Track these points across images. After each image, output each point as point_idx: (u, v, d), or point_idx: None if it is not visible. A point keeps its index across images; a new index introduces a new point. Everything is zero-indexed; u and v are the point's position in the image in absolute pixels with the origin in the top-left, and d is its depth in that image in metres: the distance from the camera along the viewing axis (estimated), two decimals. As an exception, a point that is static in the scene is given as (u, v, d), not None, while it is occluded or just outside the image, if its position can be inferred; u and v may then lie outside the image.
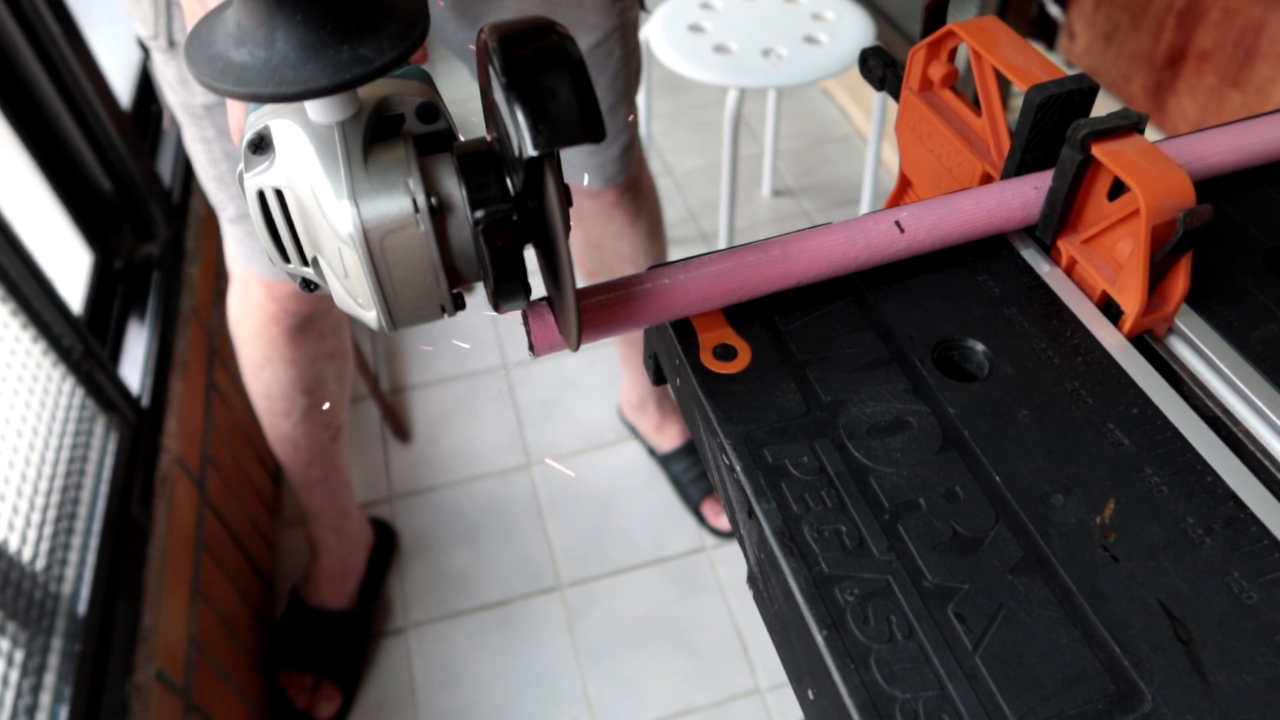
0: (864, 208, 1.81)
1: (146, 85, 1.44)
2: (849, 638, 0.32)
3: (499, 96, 0.31)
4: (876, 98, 1.65)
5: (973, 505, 0.36)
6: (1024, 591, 0.33)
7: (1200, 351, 0.41)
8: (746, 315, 0.43)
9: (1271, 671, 0.31)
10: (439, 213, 0.34)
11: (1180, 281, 0.40)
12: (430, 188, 0.33)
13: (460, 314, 0.38)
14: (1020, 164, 0.45)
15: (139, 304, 1.23)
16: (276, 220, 0.35)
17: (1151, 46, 1.74)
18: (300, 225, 0.35)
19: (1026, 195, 0.44)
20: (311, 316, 1.04)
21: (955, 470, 0.37)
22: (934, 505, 0.36)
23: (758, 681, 1.28)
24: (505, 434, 1.58)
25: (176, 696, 0.97)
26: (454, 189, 0.34)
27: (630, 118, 1.07)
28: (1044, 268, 0.45)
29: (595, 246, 1.20)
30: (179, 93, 0.85)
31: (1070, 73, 0.43)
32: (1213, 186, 0.49)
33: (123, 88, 1.34)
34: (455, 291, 0.37)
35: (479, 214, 0.33)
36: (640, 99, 1.28)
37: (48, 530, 0.91)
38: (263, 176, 0.34)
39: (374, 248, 0.33)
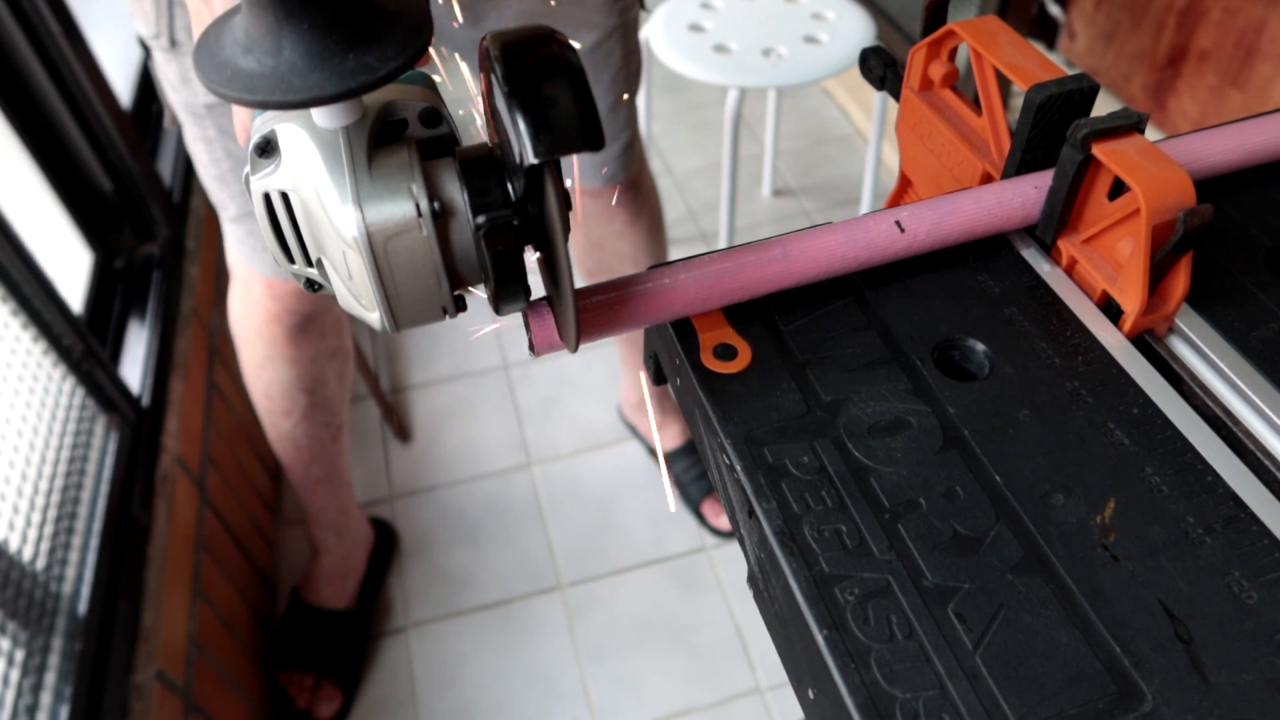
0: (864, 207, 1.81)
1: (147, 85, 1.44)
2: (849, 637, 0.32)
3: (500, 104, 0.32)
4: (877, 97, 1.65)
5: (973, 505, 0.36)
6: (1024, 591, 0.33)
7: (1200, 351, 0.41)
8: (747, 315, 0.43)
9: (1271, 671, 0.31)
10: (441, 217, 0.34)
11: (1180, 281, 0.40)
12: (433, 192, 0.34)
13: (461, 314, 0.38)
14: (1020, 163, 0.45)
15: (139, 304, 1.23)
16: (282, 222, 0.36)
17: (1152, 46, 1.74)
18: (305, 227, 0.36)
19: (1027, 195, 0.44)
20: (312, 315, 1.04)
21: (955, 470, 0.37)
22: (934, 505, 0.36)
23: (758, 681, 1.28)
24: (505, 434, 1.58)
25: (177, 696, 0.97)
26: (456, 194, 0.34)
27: (629, 109, 1.07)
28: (1044, 267, 0.45)
29: (596, 246, 1.20)
30: (180, 92, 0.85)
31: (1070, 72, 0.43)
32: (1213, 186, 0.49)
33: (123, 87, 1.34)
34: (456, 293, 0.37)
35: (480, 219, 0.34)
36: (640, 99, 1.28)
37: (48, 530, 0.91)
38: (269, 179, 0.35)
39: (378, 251, 0.34)
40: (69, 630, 0.88)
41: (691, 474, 1.46)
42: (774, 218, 1.95)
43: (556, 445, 1.56)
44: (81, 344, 1.03)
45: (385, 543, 1.42)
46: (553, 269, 0.36)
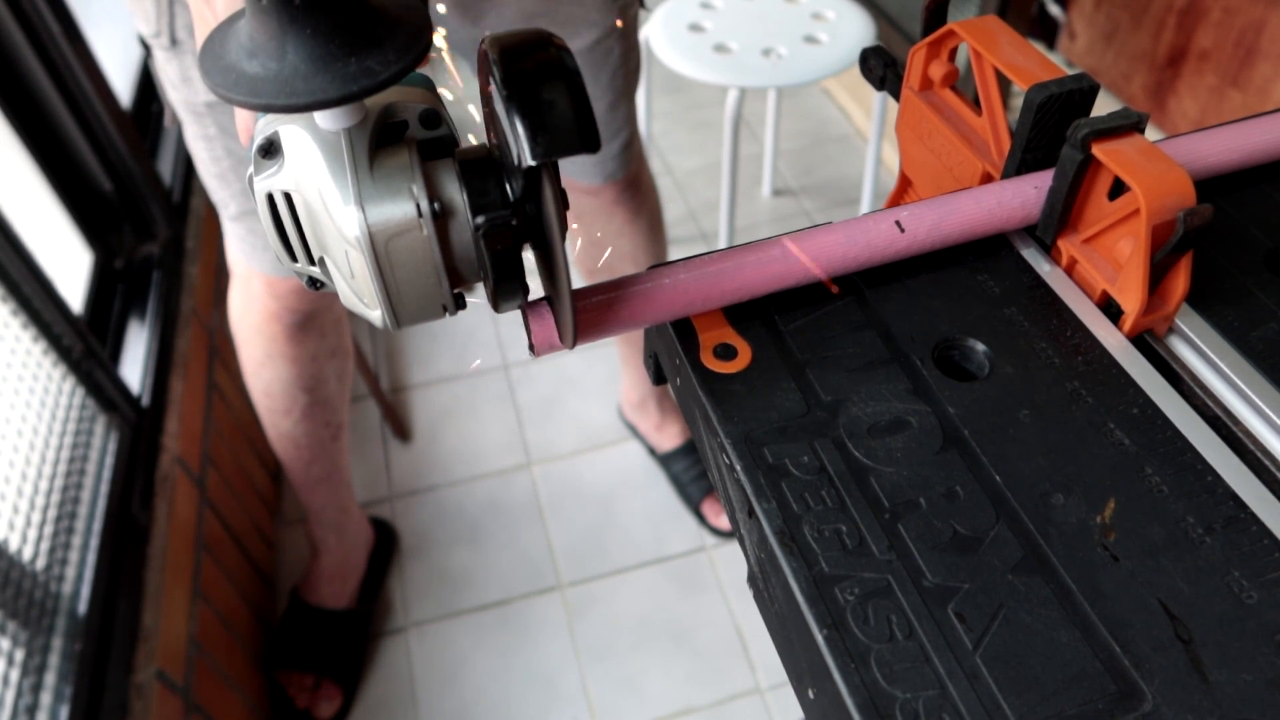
0: (864, 207, 1.81)
1: (147, 84, 1.44)
2: (849, 637, 0.32)
3: (499, 107, 0.32)
4: (877, 97, 1.64)
5: (973, 505, 0.36)
6: (1024, 591, 0.33)
7: (1201, 351, 0.41)
8: (747, 315, 0.43)
9: (1272, 671, 0.31)
10: (441, 217, 0.35)
11: (1180, 281, 0.40)
12: (433, 193, 0.35)
13: (461, 314, 0.39)
14: (1020, 163, 0.45)
15: (139, 303, 1.23)
16: (285, 222, 0.37)
17: (1152, 46, 1.74)
18: (308, 227, 0.36)
19: (1027, 195, 0.44)
20: (312, 314, 1.04)
21: (955, 470, 0.37)
22: (934, 505, 0.36)
23: (758, 681, 1.28)
24: (505, 434, 1.58)
25: (177, 696, 0.97)
26: (456, 194, 0.35)
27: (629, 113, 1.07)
28: (1044, 267, 0.45)
29: (595, 244, 1.20)
30: (181, 91, 0.85)
31: (1070, 72, 0.43)
32: (1213, 186, 0.49)
33: (123, 87, 1.34)
34: (456, 291, 0.38)
35: (480, 219, 0.34)
36: (640, 99, 1.28)
37: (48, 530, 0.91)
38: (272, 180, 0.36)
39: (379, 251, 0.34)
40: (69, 630, 0.88)
41: (691, 474, 1.46)
42: (774, 218, 1.95)
43: (556, 445, 1.56)
44: (81, 344, 1.03)
45: (385, 543, 1.42)
46: (550, 267, 0.37)
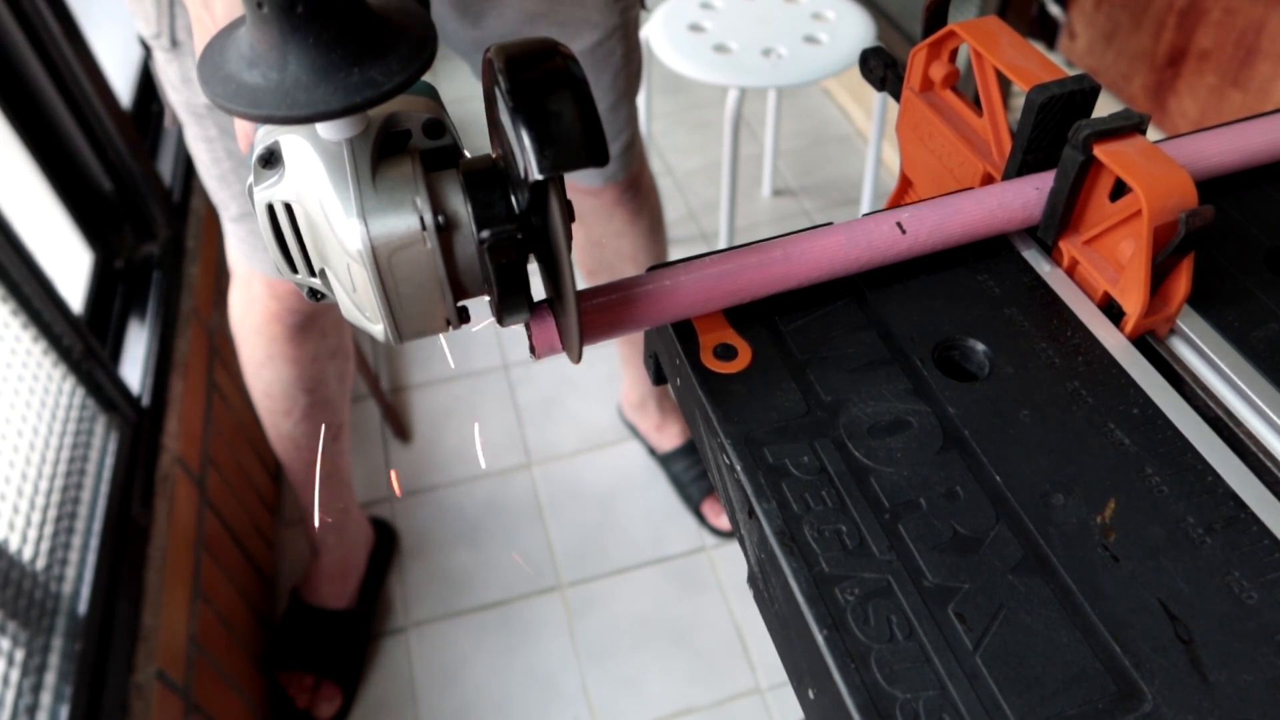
0: (864, 207, 1.81)
1: (147, 85, 1.44)
2: (849, 638, 0.32)
3: (505, 118, 0.32)
4: (877, 97, 1.65)
5: (973, 505, 0.36)
6: (1024, 591, 0.33)
7: (1201, 352, 0.41)
8: (747, 315, 0.43)
9: (1272, 671, 0.31)
10: (445, 230, 0.34)
11: (1182, 282, 0.40)
12: (437, 205, 0.34)
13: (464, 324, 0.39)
14: (1022, 164, 0.45)
15: (139, 304, 1.23)
16: (285, 233, 0.36)
17: (1152, 46, 1.74)
18: (309, 238, 0.36)
19: (1028, 196, 0.44)
20: (313, 315, 1.04)
21: (955, 470, 0.37)
22: (934, 505, 0.36)
23: (758, 681, 1.28)
24: (505, 434, 1.58)
25: (177, 696, 0.97)
26: (460, 206, 0.34)
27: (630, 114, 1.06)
28: (1045, 268, 0.45)
29: (596, 245, 1.20)
30: (181, 92, 0.85)
31: (1071, 73, 0.43)
32: (1214, 186, 0.49)
33: (123, 87, 1.34)
34: (459, 304, 0.37)
35: (485, 234, 0.34)
36: (640, 99, 1.28)
37: (48, 530, 0.91)
38: (272, 190, 0.35)
39: (382, 264, 0.34)
40: (69, 630, 0.87)
41: (691, 474, 1.46)
42: (774, 218, 1.95)
43: (556, 445, 1.56)
44: (81, 344, 1.03)
45: (385, 543, 1.42)
46: (556, 280, 0.36)
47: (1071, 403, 0.39)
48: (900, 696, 0.30)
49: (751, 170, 2.03)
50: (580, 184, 1.12)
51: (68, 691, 0.83)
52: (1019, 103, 0.44)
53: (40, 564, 0.88)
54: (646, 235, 1.20)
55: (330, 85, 0.30)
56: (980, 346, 0.41)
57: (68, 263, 1.18)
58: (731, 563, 1.40)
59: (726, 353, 0.41)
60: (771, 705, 1.26)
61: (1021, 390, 0.39)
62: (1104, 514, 0.35)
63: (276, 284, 0.99)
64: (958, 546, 0.34)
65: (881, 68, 0.53)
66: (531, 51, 0.32)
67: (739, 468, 0.37)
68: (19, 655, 0.81)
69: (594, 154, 0.31)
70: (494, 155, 0.36)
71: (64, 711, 0.82)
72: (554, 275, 0.36)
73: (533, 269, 0.38)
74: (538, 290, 0.40)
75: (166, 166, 1.40)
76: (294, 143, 0.34)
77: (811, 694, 0.34)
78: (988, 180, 0.47)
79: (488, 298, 0.37)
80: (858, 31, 1.49)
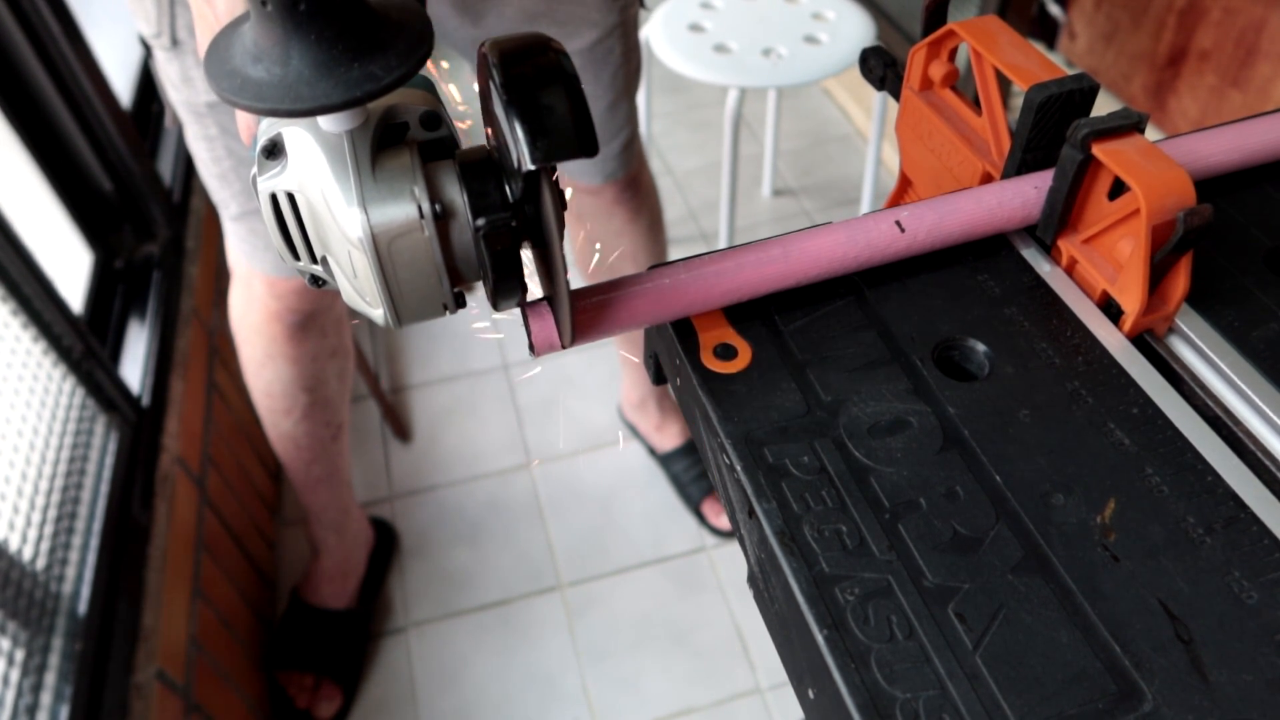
0: (864, 207, 1.81)
1: (147, 84, 1.44)
2: (849, 637, 0.32)
3: (499, 110, 0.33)
4: (877, 97, 1.64)
5: (973, 505, 0.36)
6: (1024, 591, 0.33)
7: (1201, 351, 0.41)
8: (747, 315, 0.43)
9: (1272, 671, 0.31)
10: (442, 218, 0.35)
11: (1181, 281, 0.40)
12: (434, 194, 0.35)
13: (461, 313, 0.39)
14: (1021, 163, 0.45)
15: (139, 304, 1.23)
16: (288, 222, 0.37)
17: (1152, 46, 1.74)
18: (311, 227, 0.37)
19: (1027, 195, 0.44)
20: (313, 314, 1.04)
21: (955, 470, 0.37)
22: (934, 505, 0.36)
23: (758, 681, 1.28)
24: (505, 434, 1.58)
25: (177, 696, 0.97)
26: (456, 195, 0.35)
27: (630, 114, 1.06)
28: (1044, 267, 0.45)
29: (596, 244, 1.20)
30: (181, 91, 0.85)
31: (1071, 72, 0.43)
32: (1213, 186, 0.49)
33: (123, 87, 1.34)
34: (456, 290, 0.38)
35: (480, 221, 0.35)
36: (640, 99, 1.28)
37: (48, 530, 0.91)
38: (275, 180, 0.36)
39: (381, 251, 0.35)
40: (69, 630, 0.87)
41: (691, 474, 1.46)
42: (774, 218, 1.95)
43: (556, 445, 1.56)
44: (81, 344, 1.03)
45: (385, 543, 1.42)
46: (549, 267, 0.37)
47: (1071, 403, 0.39)
48: (900, 696, 0.30)
49: (751, 170, 2.03)
50: (580, 183, 1.12)
51: (68, 691, 0.83)
52: (1018, 102, 0.44)
53: (40, 564, 0.88)
54: (646, 234, 1.20)
55: (332, 80, 0.31)
56: (980, 346, 0.41)
57: (68, 263, 1.18)
58: (731, 563, 1.40)
59: (726, 352, 0.41)
60: (771, 705, 1.26)
61: (1021, 390, 0.39)
62: (1104, 514, 0.35)
63: (276, 283, 0.99)
64: (958, 546, 0.34)
65: (881, 67, 0.53)
66: (524, 46, 0.33)
67: (739, 468, 0.37)
68: (19, 655, 0.81)
69: (584, 145, 0.32)
70: (489, 146, 0.37)
71: (64, 711, 0.82)
72: (547, 262, 0.38)
73: (532, 270, 0.38)
74: (536, 291, 0.40)
75: (166, 166, 1.40)
76: (296, 135, 0.35)
77: (811, 694, 0.34)
78: (987, 179, 0.47)
79: (483, 285, 0.38)
80: (858, 31, 1.49)
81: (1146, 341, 0.42)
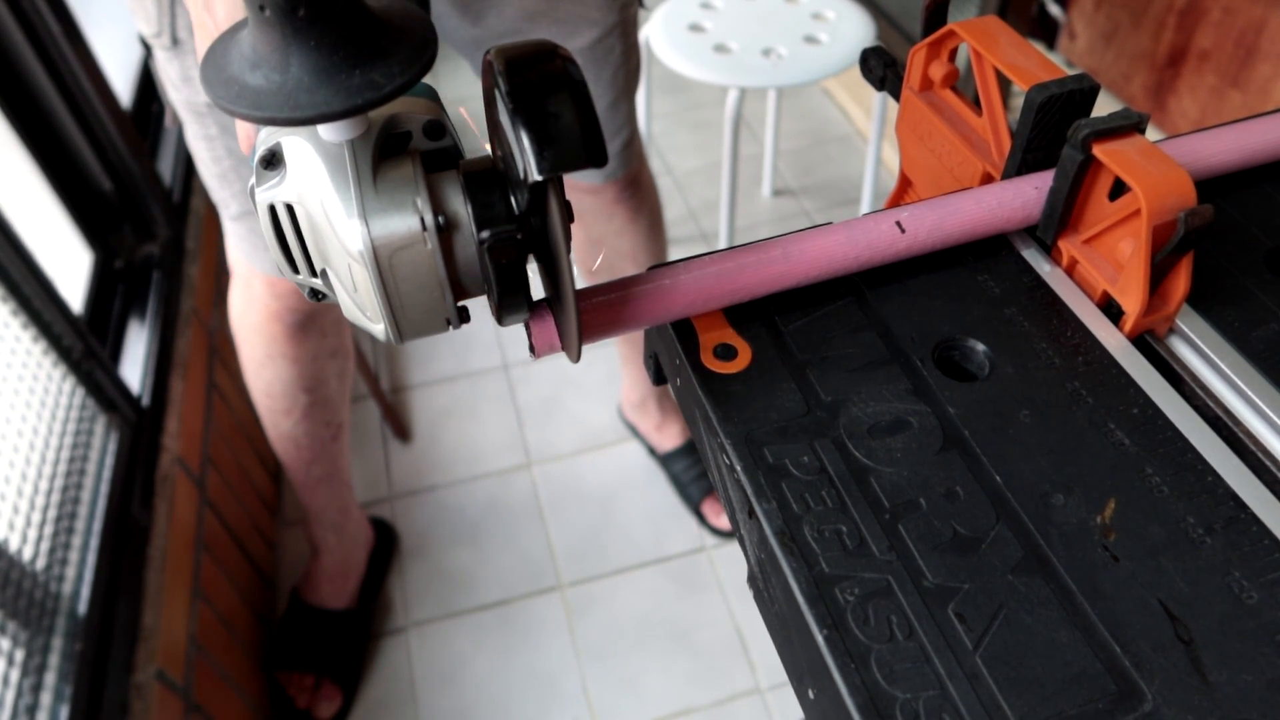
0: (864, 207, 1.81)
1: (147, 84, 1.44)
2: (849, 638, 0.32)
3: (504, 119, 0.32)
4: (877, 97, 1.64)
5: (973, 505, 0.36)
6: (1024, 591, 0.33)
7: (1201, 351, 0.41)
8: (747, 315, 0.43)
9: (1272, 671, 0.31)
10: (445, 231, 0.34)
11: (1181, 281, 0.40)
12: (437, 206, 0.34)
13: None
14: (1021, 164, 0.45)
15: (139, 304, 1.23)
16: (287, 234, 0.36)
17: (1152, 46, 1.74)
18: (310, 239, 0.36)
19: (1027, 195, 0.44)
20: (313, 314, 1.04)
21: (955, 470, 0.37)
22: (934, 505, 0.36)
23: (758, 681, 1.28)
24: (505, 434, 1.58)
25: (177, 696, 0.97)
26: (460, 207, 0.34)
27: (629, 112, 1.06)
28: (1045, 268, 0.45)
29: (595, 243, 1.20)
30: (182, 90, 0.85)
31: (1071, 72, 0.43)
32: (1213, 186, 0.49)
33: (123, 87, 1.34)
34: (460, 304, 0.37)
35: (485, 234, 0.34)
36: (640, 99, 1.28)
37: (48, 530, 0.91)
38: (274, 191, 0.35)
39: (383, 264, 0.34)
40: (69, 630, 0.87)
41: (691, 474, 1.46)
42: (774, 218, 1.95)
43: (556, 445, 1.56)
44: (81, 344, 1.03)
45: (385, 543, 1.42)
46: (555, 280, 0.37)
47: (1071, 403, 0.39)
48: (900, 696, 0.30)
49: (751, 170, 2.03)
50: (580, 182, 1.12)
51: (68, 691, 0.83)
52: (1018, 102, 0.44)
53: (40, 564, 0.88)
54: (646, 234, 1.20)
55: (332, 87, 0.30)
56: (980, 346, 0.41)
57: (68, 263, 1.18)
58: (731, 563, 1.40)
59: (726, 353, 0.41)
60: (771, 705, 1.26)
61: (1021, 390, 0.39)
62: (1104, 514, 0.35)
63: (277, 283, 0.99)
64: (958, 546, 0.34)
65: (881, 67, 0.53)
66: (531, 54, 0.32)
67: (739, 468, 0.37)
68: (19, 655, 0.81)
69: (593, 155, 0.31)
70: (493, 156, 0.36)
71: (64, 711, 0.82)
72: (553, 275, 0.37)
73: (531, 269, 0.38)
74: (537, 289, 0.40)
75: (166, 166, 1.40)
76: (296, 144, 0.34)
77: (811, 694, 0.34)
78: (987, 180, 0.47)
79: (488, 298, 0.37)
80: (858, 31, 1.49)
81: (1147, 342, 0.42)
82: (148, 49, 0.85)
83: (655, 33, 1.52)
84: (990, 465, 0.37)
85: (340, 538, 1.30)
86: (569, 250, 0.34)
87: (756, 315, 0.43)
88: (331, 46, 0.30)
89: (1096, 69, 1.88)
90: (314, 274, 0.37)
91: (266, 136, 0.35)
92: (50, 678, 0.83)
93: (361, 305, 0.36)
